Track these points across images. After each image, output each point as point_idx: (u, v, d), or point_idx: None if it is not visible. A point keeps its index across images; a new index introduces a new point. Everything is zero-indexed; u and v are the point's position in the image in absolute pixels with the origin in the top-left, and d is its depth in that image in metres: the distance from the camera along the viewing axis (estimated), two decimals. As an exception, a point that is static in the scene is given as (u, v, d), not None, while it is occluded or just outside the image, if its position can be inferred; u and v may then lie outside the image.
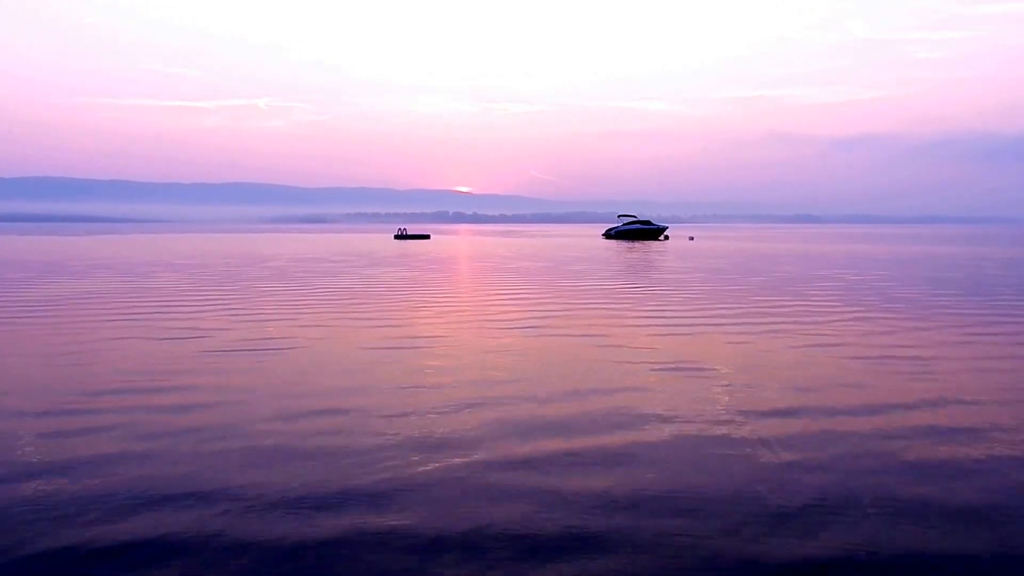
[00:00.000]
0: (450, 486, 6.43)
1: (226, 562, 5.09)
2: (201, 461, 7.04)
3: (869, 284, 26.62)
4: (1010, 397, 9.57)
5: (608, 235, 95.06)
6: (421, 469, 6.80)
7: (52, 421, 8.36)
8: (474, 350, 12.88)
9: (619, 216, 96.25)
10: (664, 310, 18.64)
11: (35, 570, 5.03)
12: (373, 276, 30.31)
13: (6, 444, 7.57)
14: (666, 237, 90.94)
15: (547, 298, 21.66)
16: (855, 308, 19.01)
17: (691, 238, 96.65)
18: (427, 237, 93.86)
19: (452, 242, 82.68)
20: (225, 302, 20.36)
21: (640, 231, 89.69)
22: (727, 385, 10.12)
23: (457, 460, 7.05)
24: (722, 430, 8.00)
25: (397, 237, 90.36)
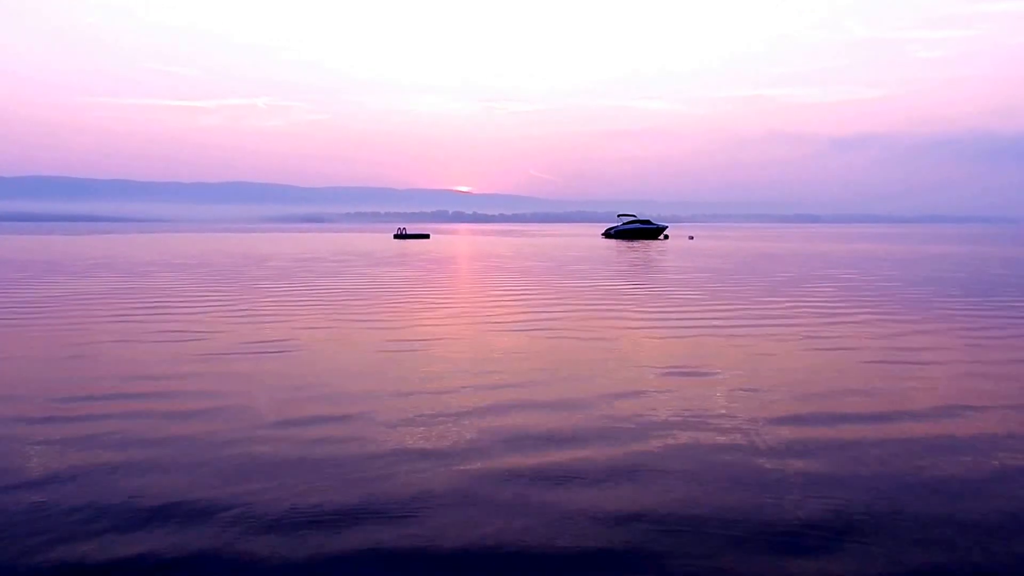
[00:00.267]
0: (457, 500, 6.24)
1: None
2: (202, 471, 6.87)
3: (874, 284, 26.47)
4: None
5: (608, 234, 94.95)
6: (426, 481, 6.63)
7: (50, 428, 8.17)
8: (477, 353, 12.71)
9: (619, 215, 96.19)
10: (668, 311, 18.48)
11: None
12: (374, 276, 30.14)
13: None
14: (666, 236, 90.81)
15: (549, 299, 21.49)
16: (862, 309, 18.85)
17: (691, 237, 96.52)
18: (427, 237, 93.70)
19: (452, 242, 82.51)
20: (225, 302, 20.19)
21: (640, 230, 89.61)
22: (735, 391, 9.94)
23: (463, 472, 6.87)
24: (731, 439, 7.83)
25: (397, 237, 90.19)
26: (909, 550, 5.36)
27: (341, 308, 19.18)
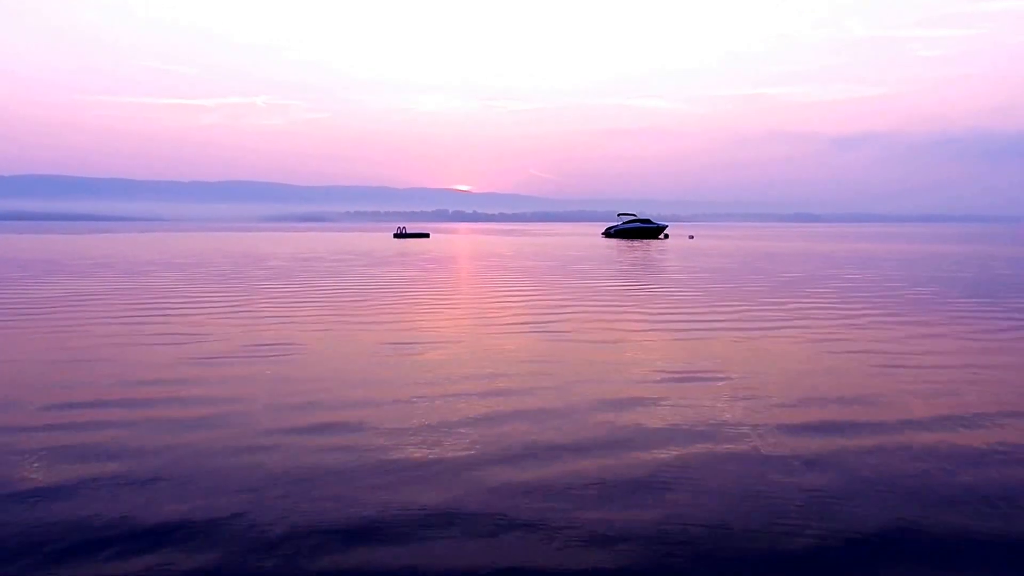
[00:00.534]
0: (459, 514, 6.00)
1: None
2: (201, 484, 6.62)
3: (879, 284, 26.22)
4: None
5: (608, 234, 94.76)
6: (433, 497, 6.37)
7: (45, 436, 7.92)
8: (480, 356, 12.44)
9: (619, 215, 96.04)
10: (673, 312, 18.21)
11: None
12: (375, 276, 29.88)
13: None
14: (666, 236, 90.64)
15: (553, 299, 21.23)
16: (869, 310, 18.60)
17: (691, 237, 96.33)
18: (427, 236, 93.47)
19: (452, 241, 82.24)
20: (225, 303, 19.94)
21: (640, 230, 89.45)
22: (746, 398, 9.68)
23: (465, 484, 6.63)
24: (743, 450, 7.56)
25: (396, 236, 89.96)
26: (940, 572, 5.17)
27: (342, 309, 18.92)
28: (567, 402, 9.28)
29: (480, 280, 29.04)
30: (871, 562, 5.22)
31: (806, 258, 45.27)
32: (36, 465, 7.05)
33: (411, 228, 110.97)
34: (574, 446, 7.57)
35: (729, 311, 18.47)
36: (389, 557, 5.26)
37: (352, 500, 6.23)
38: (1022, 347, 13.50)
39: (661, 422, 8.44)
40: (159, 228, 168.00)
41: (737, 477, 6.76)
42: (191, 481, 6.65)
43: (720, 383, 10.37)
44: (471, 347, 13.34)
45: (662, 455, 7.33)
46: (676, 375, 10.89)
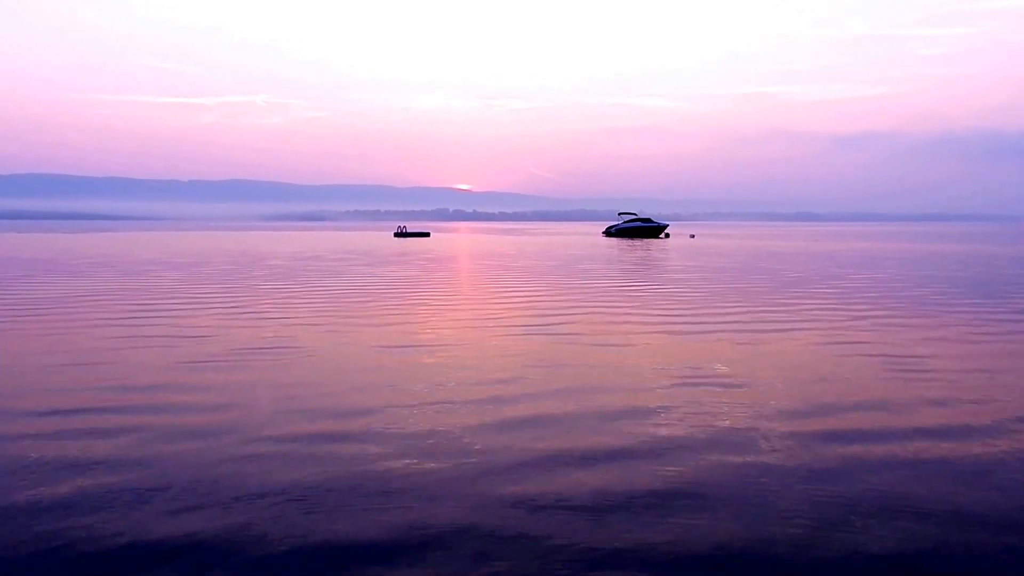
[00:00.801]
0: (461, 532, 5.71)
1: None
2: (199, 497, 6.35)
3: (885, 284, 25.93)
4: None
5: (609, 233, 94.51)
6: (438, 516, 6.08)
7: (39, 444, 7.65)
8: (484, 359, 12.15)
9: (619, 214, 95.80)
10: (680, 312, 17.92)
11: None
12: (376, 276, 29.60)
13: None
14: (667, 235, 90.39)
15: (557, 299, 20.94)
16: (877, 310, 18.31)
17: (692, 236, 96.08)
18: (427, 235, 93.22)
19: (453, 240, 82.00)
20: (225, 303, 19.66)
21: (641, 229, 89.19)
22: (761, 404, 9.39)
23: (469, 499, 6.34)
24: (762, 460, 7.29)
25: (397, 235, 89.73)
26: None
27: (343, 310, 18.64)
28: (575, 410, 8.98)
29: (482, 280, 28.77)
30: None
31: (809, 257, 44.98)
32: (32, 477, 6.76)
33: (411, 227, 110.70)
34: (583, 457, 7.26)
35: (736, 311, 18.18)
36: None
37: (355, 517, 5.95)
38: (1037, 349, 13.22)
39: (673, 431, 8.15)
40: (159, 227, 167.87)
41: (754, 491, 6.46)
42: (189, 494, 6.35)
43: (733, 389, 10.05)
44: (475, 350, 13.06)
45: (674, 467, 7.03)
46: (687, 379, 10.59)
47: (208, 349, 12.95)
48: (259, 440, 7.74)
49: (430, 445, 7.57)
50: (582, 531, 5.62)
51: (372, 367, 11.48)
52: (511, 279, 28.65)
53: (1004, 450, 7.46)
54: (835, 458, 7.21)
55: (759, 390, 9.92)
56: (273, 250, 53.64)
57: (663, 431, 8.07)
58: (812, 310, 18.60)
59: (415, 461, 7.11)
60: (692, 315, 17.61)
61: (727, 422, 8.41)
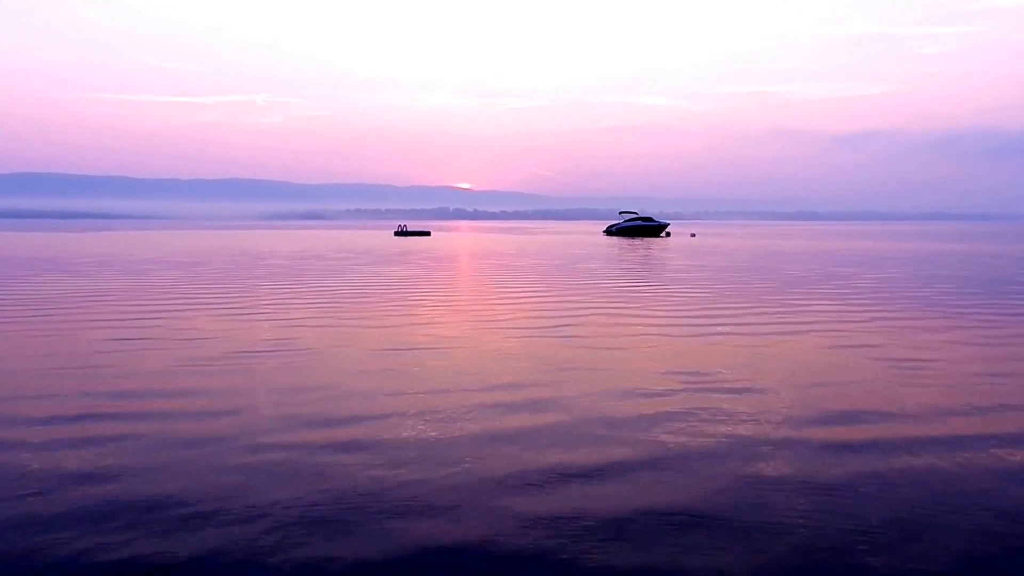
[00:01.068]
0: (484, 556, 5.48)
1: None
2: (199, 508, 6.15)
3: (890, 283, 25.69)
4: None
5: (609, 232, 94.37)
6: (442, 536, 5.88)
7: (35, 453, 7.45)
8: (487, 363, 11.92)
9: (620, 213, 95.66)
10: (686, 313, 17.68)
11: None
12: (377, 275, 29.39)
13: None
14: (668, 234, 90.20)
15: (561, 300, 20.71)
16: (883, 310, 18.09)
17: (693, 235, 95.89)
18: (428, 234, 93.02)
19: (454, 239, 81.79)
20: (225, 303, 19.45)
21: (642, 228, 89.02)
22: (775, 411, 9.16)
23: (471, 515, 6.15)
24: (778, 474, 7.07)
25: (397, 234, 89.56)
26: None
27: (343, 311, 18.43)
28: (582, 418, 8.76)
29: (484, 280, 28.54)
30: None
31: (813, 256, 44.74)
32: (29, 489, 6.56)
33: (412, 226, 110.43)
34: (591, 471, 7.03)
35: (740, 312, 17.95)
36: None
37: (360, 534, 5.74)
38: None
39: (680, 439, 7.93)
40: (159, 226, 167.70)
41: (770, 507, 6.26)
42: (185, 509, 6.14)
43: (742, 395, 9.82)
44: (478, 353, 12.84)
45: (688, 482, 6.83)
46: (698, 384, 10.35)
47: (207, 352, 12.74)
48: (258, 450, 7.52)
49: (435, 457, 7.35)
50: (595, 551, 5.41)
51: (374, 371, 11.26)
52: (513, 279, 28.43)
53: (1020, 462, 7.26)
54: (857, 470, 6.99)
55: (768, 397, 9.69)
56: (273, 249, 53.43)
57: (670, 440, 7.85)
58: (818, 311, 18.35)
59: (419, 474, 6.89)
60: (696, 316, 17.37)
61: (736, 431, 8.18)
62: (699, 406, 9.16)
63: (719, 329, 15.37)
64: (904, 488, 6.51)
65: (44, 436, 7.94)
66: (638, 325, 16.02)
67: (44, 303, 19.91)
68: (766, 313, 18.03)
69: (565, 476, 6.79)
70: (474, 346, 13.44)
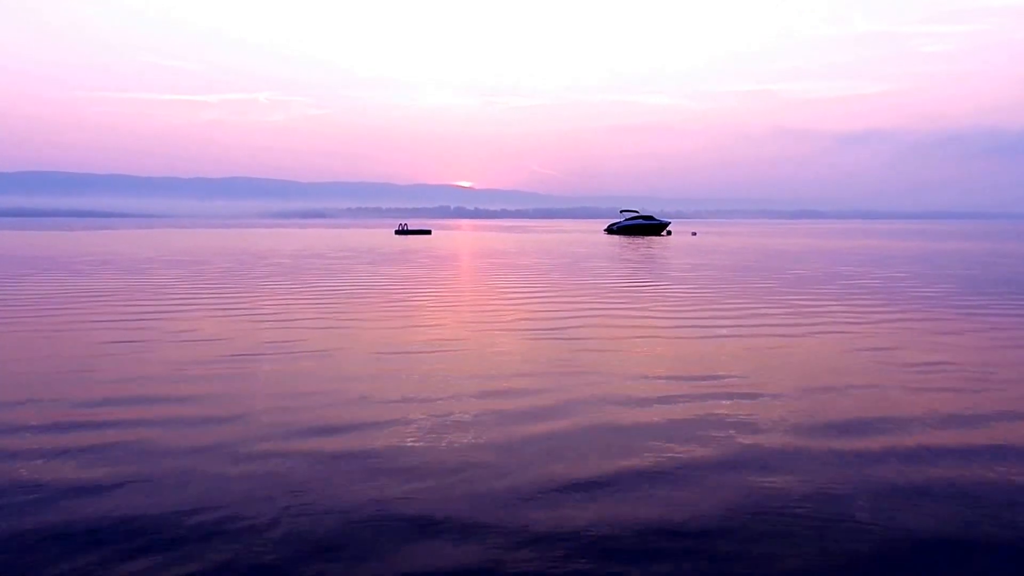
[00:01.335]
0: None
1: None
2: (198, 518, 5.94)
3: (895, 283, 25.46)
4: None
5: (610, 230, 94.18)
6: (446, 555, 5.68)
7: (33, 461, 7.24)
8: (489, 365, 11.70)
9: (621, 211, 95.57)
10: (691, 313, 17.43)
11: None
12: (378, 275, 29.18)
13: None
14: (669, 233, 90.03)
15: (564, 300, 20.47)
16: (887, 310, 17.86)
17: (694, 233, 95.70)
18: (428, 233, 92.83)
19: (455, 238, 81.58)
20: (225, 303, 19.24)
21: (643, 226, 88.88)
22: (787, 418, 8.94)
23: (473, 534, 5.94)
24: (790, 486, 6.85)
25: (398, 233, 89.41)
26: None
27: (344, 311, 18.21)
28: (588, 425, 8.53)
29: (485, 279, 28.32)
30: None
31: (816, 255, 44.48)
32: (26, 498, 6.37)
33: (413, 225, 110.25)
34: (598, 482, 6.81)
35: (743, 312, 17.72)
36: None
37: (363, 553, 5.54)
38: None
39: (694, 451, 7.71)
40: (159, 225, 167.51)
41: (770, 524, 6.06)
42: (187, 519, 5.95)
43: (756, 401, 9.60)
44: (481, 356, 12.62)
45: (697, 497, 6.61)
46: (706, 390, 10.13)
47: (207, 354, 12.53)
48: (259, 458, 7.32)
49: (438, 467, 7.15)
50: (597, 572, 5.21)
51: (375, 374, 11.05)
52: (514, 278, 28.22)
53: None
54: (880, 481, 6.78)
55: (779, 402, 9.47)
56: (274, 248, 53.23)
57: (678, 449, 7.64)
58: (826, 312, 18.12)
59: (423, 486, 6.69)
60: (700, 316, 17.13)
61: (743, 439, 7.95)
62: (707, 413, 8.94)
63: (723, 331, 15.15)
64: (923, 502, 6.30)
65: (37, 444, 7.73)
66: (642, 326, 15.80)
67: (44, 302, 19.70)
68: (772, 314, 17.80)
69: (573, 488, 6.57)
70: (476, 348, 13.23)
